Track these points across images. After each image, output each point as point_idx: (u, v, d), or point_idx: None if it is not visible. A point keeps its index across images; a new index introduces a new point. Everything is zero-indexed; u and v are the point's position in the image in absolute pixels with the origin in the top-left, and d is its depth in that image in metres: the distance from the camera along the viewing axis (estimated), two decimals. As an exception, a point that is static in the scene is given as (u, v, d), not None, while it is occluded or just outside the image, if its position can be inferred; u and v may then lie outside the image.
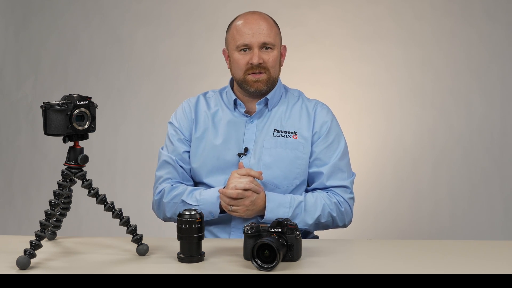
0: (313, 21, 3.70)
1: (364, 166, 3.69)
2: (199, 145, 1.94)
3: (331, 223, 1.89)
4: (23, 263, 1.42)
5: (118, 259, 1.54)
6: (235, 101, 1.94)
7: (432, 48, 3.67)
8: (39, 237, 1.45)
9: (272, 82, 1.91)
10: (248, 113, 1.94)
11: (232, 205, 1.75)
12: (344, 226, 1.93)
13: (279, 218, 1.51)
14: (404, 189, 3.68)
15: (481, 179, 3.63)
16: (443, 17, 3.66)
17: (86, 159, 1.52)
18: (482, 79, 3.65)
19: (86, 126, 1.50)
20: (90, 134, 1.53)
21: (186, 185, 1.95)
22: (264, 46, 1.87)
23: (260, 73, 1.87)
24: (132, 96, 3.75)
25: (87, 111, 1.50)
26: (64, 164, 1.52)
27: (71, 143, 1.52)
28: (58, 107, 1.46)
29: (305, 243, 1.60)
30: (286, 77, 3.64)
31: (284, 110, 1.95)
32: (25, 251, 1.43)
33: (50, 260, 1.51)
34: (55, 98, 1.51)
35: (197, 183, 1.99)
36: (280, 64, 1.96)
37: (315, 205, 1.84)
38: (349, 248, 1.65)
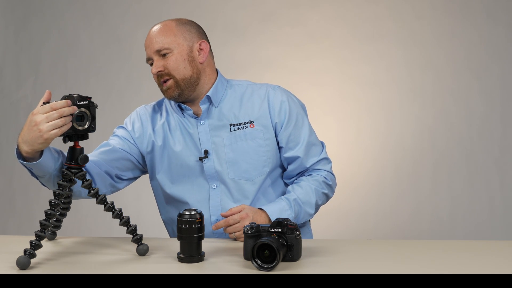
0: (313, 21, 3.70)
1: (364, 166, 3.69)
2: (163, 154, 1.89)
3: (326, 200, 1.93)
4: (23, 263, 1.42)
5: (118, 259, 1.54)
6: (179, 106, 1.89)
7: (432, 48, 3.67)
8: (39, 237, 1.45)
9: (186, 84, 1.82)
10: (197, 114, 1.88)
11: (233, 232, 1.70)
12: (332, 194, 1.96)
13: (279, 218, 1.51)
14: (404, 189, 3.68)
15: (481, 179, 3.64)
16: (443, 17, 3.66)
17: (86, 159, 1.52)
18: (482, 79, 3.65)
19: (86, 126, 1.50)
20: (90, 134, 1.52)
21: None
22: (160, 54, 1.81)
23: (166, 81, 1.81)
24: (132, 96, 3.75)
25: (87, 111, 1.49)
26: (64, 164, 1.52)
27: (71, 143, 1.52)
28: (58, 107, 1.46)
29: (305, 243, 1.60)
30: (287, 77, 3.68)
31: (233, 102, 1.90)
32: (25, 251, 1.43)
33: (50, 260, 1.51)
34: (55, 98, 1.51)
35: (158, 197, 1.95)
36: (197, 61, 1.84)
37: (307, 194, 1.84)
38: (349, 248, 1.65)
